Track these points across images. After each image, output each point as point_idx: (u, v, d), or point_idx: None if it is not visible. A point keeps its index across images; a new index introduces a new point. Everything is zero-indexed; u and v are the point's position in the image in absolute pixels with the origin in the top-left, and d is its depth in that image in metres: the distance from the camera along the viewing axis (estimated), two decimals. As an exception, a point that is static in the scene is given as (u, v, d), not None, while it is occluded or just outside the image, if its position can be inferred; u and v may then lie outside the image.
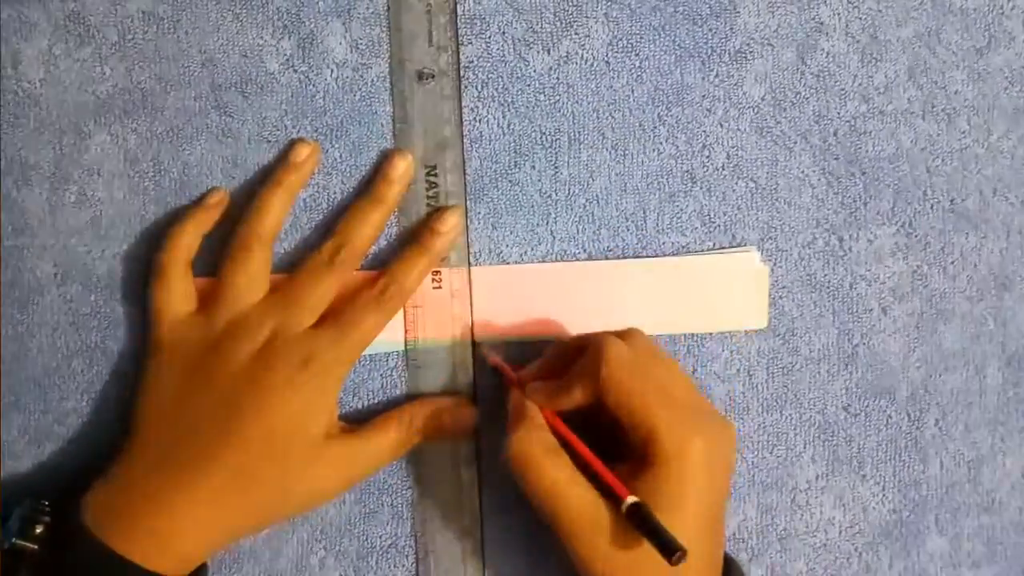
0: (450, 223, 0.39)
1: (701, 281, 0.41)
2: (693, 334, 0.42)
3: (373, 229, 0.39)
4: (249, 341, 0.36)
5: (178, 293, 0.38)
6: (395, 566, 0.41)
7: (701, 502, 0.34)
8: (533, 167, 0.41)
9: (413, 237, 0.40)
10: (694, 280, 0.41)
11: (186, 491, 0.35)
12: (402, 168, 0.39)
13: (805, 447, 0.43)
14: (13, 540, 0.34)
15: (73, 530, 0.34)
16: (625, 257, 0.41)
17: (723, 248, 0.42)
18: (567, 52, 0.40)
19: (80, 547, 0.34)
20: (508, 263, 0.41)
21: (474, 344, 0.41)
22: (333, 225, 0.39)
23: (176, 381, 0.37)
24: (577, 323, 0.41)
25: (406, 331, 0.40)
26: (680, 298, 0.41)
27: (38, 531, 0.35)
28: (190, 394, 0.37)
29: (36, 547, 0.34)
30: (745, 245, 0.42)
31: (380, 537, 0.41)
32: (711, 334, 0.42)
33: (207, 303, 0.38)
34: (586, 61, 0.41)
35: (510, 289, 0.41)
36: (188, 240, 0.38)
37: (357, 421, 0.40)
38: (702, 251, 0.42)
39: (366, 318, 0.38)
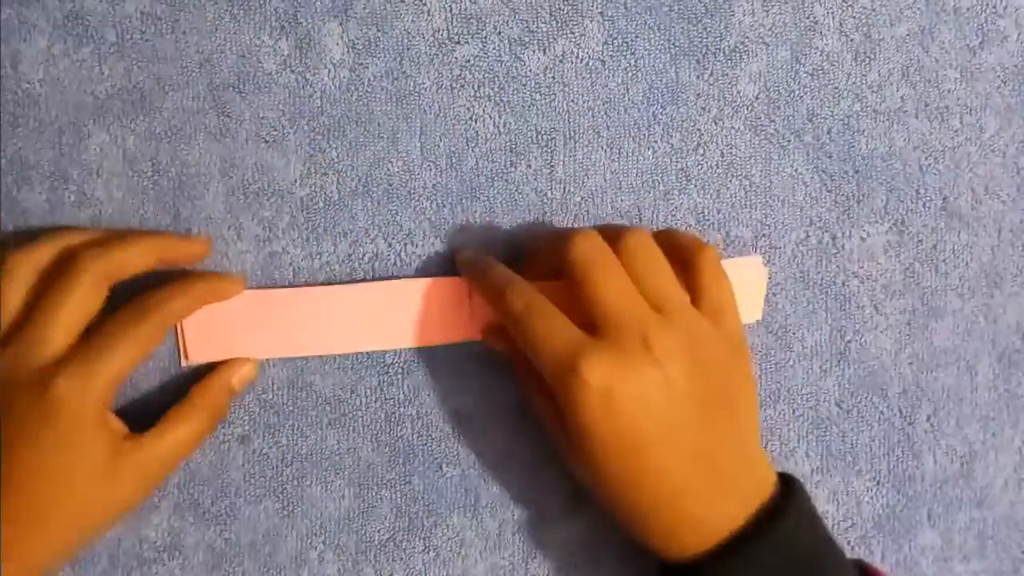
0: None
1: None
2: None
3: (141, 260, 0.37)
4: None
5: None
6: (394, 560, 0.41)
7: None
8: (529, 166, 0.41)
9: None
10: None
11: None
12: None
13: (799, 442, 0.43)
14: None
15: None
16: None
17: (723, 251, 0.42)
18: (563, 51, 0.41)
19: None
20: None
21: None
22: (334, 226, 0.40)
23: None
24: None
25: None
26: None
27: None
28: None
29: None
30: (749, 253, 0.42)
31: (379, 532, 0.41)
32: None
33: None
34: (581, 60, 0.41)
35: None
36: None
37: (355, 419, 0.41)
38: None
39: (108, 345, 0.35)
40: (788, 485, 0.36)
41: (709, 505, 0.34)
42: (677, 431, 0.34)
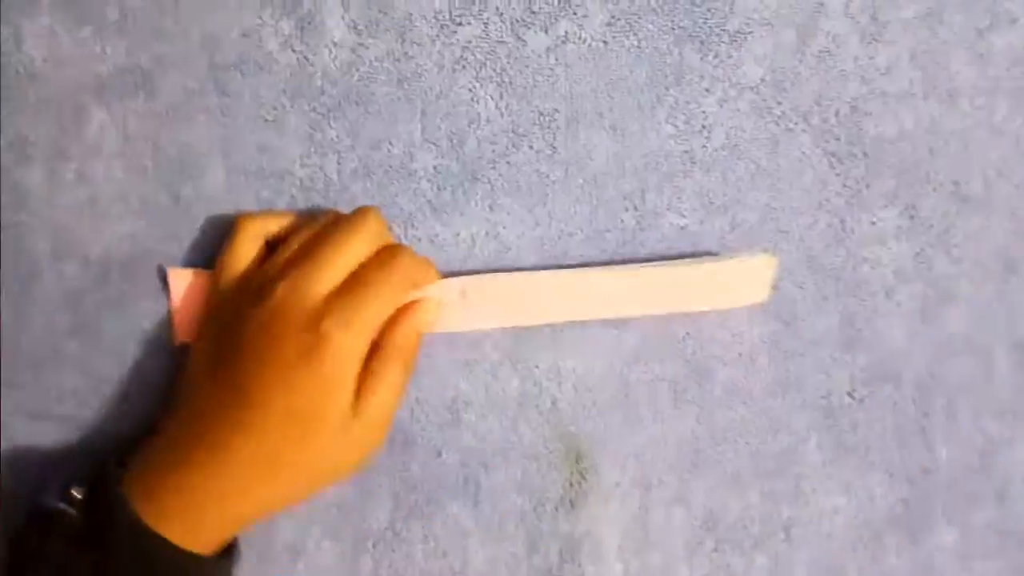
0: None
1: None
2: (692, 316, 0.41)
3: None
4: (257, 305, 0.34)
5: (240, 259, 0.37)
6: (391, 550, 0.40)
7: None
8: (531, 147, 0.41)
9: None
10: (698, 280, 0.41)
11: (212, 471, 0.34)
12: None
13: (809, 433, 0.42)
14: (56, 504, 0.33)
15: (111, 501, 0.33)
16: (624, 238, 0.41)
17: (728, 236, 0.41)
18: (565, 32, 0.40)
19: (118, 518, 0.33)
20: (506, 244, 0.41)
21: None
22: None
23: (208, 351, 0.35)
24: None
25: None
26: (676, 274, 0.40)
27: (77, 496, 0.33)
28: (216, 366, 0.35)
29: (75, 512, 0.33)
30: (755, 237, 0.41)
31: (377, 520, 0.40)
32: (711, 317, 0.41)
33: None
34: (584, 41, 0.41)
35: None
36: (277, 221, 0.38)
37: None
38: (714, 257, 0.41)
39: (372, 292, 0.35)
40: None
41: None
42: None
